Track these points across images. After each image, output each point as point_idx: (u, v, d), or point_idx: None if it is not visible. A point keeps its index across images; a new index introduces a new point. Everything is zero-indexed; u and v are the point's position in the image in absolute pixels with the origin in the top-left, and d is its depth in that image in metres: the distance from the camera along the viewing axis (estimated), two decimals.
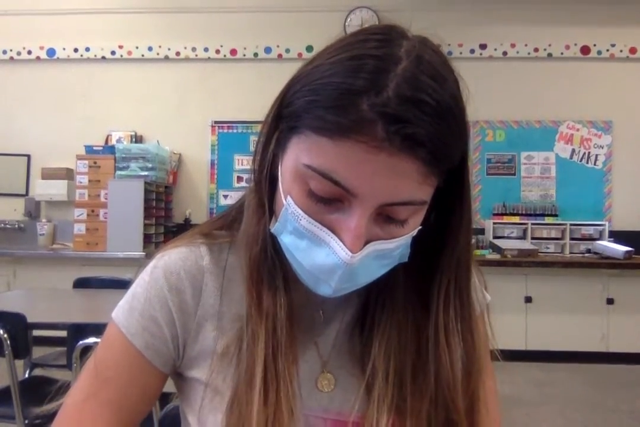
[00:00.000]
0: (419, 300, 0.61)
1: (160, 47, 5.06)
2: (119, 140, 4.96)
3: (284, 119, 0.54)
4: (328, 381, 0.62)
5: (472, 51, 4.93)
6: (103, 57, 5.10)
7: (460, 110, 0.51)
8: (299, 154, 0.52)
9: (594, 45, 4.89)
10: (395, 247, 0.54)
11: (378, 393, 0.59)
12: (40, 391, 2.16)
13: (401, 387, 0.59)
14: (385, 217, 0.52)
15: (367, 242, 0.52)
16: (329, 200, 0.51)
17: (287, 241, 0.55)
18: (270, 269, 0.60)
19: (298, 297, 0.61)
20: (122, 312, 0.62)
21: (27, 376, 2.55)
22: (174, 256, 0.63)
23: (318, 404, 0.61)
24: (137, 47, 5.07)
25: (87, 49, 5.09)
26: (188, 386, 0.64)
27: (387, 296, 0.62)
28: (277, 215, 0.57)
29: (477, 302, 0.67)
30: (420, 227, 0.55)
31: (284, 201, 0.54)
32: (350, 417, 0.60)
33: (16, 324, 1.97)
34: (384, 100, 0.47)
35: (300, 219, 0.53)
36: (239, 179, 5.02)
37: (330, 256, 0.52)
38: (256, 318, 0.58)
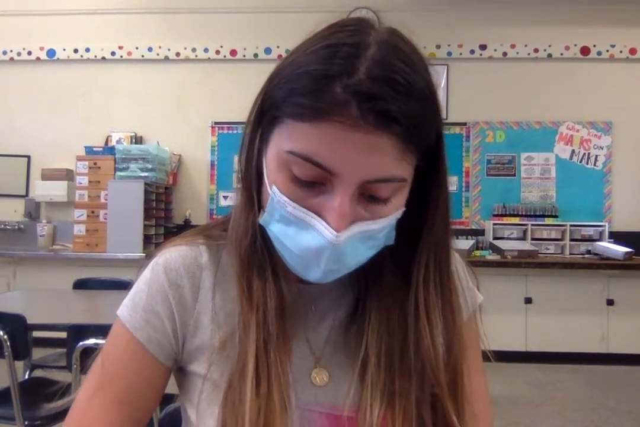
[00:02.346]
0: (406, 283, 0.62)
1: (160, 47, 5.06)
2: (119, 141, 4.95)
3: (266, 113, 0.57)
4: (323, 375, 0.63)
5: (472, 52, 4.91)
6: (103, 58, 5.10)
7: (432, 93, 0.53)
8: (281, 143, 0.54)
9: (594, 45, 4.89)
10: (380, 228, 0.55)
11: (371, 380, 0.60)
12: (40, 392, 2.15)
13: (391, 370, 0.61)
14: (368, 197, 0.54)
15: (352, 224, 0.53)
16: (312, 183, 0.53)
17: (275, 229, 0.57)
18: (260, 261, 0.61)
19: (290, 294, 0.63)
20: (126, 308, 0.65)
21: (27, 377, 2.55)
22: (174, 254, 0.66)
23: (313, 398, 0.62)
24: (137, 48, 5.07)
25: (87, 50, 5.09)
26: (188, 380, 0.65)
27: (377, 284, 0.63)
28: (264, 208, 0.58)
29: (469, 301, 0.70)
30: (404, 209, 0.57)
31: (269, 191, 0.56)
32: (344, 411, 0.61)
33: (16, 325, 1.97)
34: (355, 81, 0.49)
35: (287, 206, 0.54)
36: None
37: (316, 238, 0.53)
38: (247, 310, 0.60)
